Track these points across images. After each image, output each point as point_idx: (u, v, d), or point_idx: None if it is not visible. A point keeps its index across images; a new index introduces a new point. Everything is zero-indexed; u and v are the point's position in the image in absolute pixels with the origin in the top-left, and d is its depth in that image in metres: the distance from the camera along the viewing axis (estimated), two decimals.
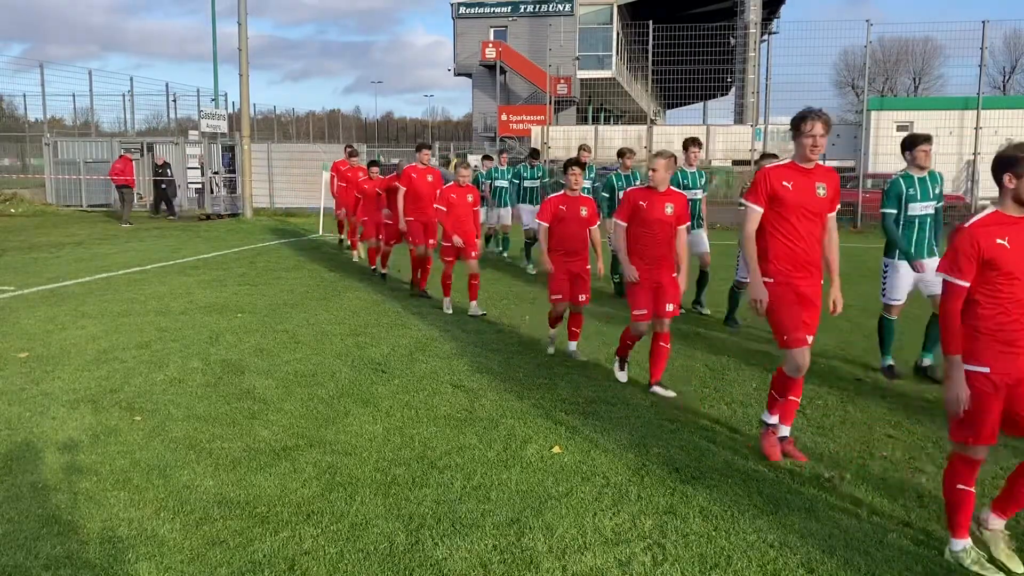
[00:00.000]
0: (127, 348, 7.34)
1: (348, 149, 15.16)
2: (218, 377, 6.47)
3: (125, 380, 6.34)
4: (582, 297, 7.12)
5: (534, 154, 13.93)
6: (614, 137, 27.98)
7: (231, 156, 23.83)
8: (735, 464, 4.76)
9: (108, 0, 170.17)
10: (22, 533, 3.82)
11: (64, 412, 5.56)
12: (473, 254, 9.11)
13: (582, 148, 11.57)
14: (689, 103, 33.89)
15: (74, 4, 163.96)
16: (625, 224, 6.16)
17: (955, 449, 3.60)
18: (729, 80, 35.61)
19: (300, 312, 9.14)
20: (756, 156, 22.09)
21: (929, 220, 6.50)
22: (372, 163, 12.56)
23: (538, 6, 40.25)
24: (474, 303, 9.07)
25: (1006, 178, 3.44)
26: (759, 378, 6.65)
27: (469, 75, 41.88)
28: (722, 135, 24.02)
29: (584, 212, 7.04)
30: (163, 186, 22.13)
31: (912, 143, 6.49)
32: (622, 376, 6.52)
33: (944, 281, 3.50)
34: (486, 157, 15.40)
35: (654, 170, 6.02)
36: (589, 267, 7.19)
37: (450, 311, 9.25)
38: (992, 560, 3.61)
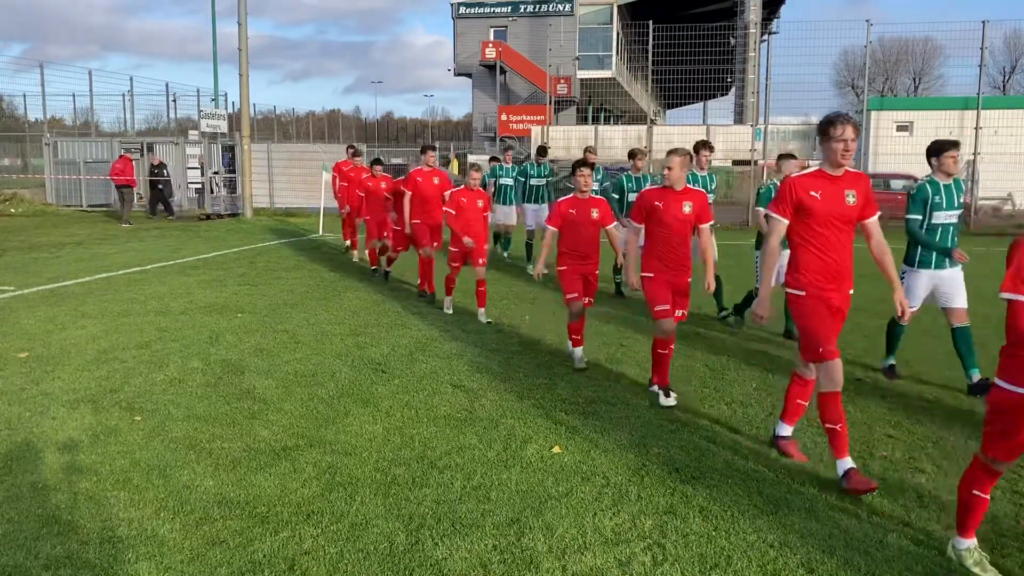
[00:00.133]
0: (127, 348, 7.34)
1: (351, 149, 14.97)
2: (218, 377, 6.47)
3: (125, 380, 6.34)
4: (586, 300, 7.01)
5: (541, 152, 13.44)
6: (614, 137, 27.96)
7: (231, 156, 23.84)
8: (735, 464, 4.76)
9: (108, 0, 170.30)
10: (22, 533, 3.82)
11: (64, 412, 5.56)
12: (481, 261, 8.93)
13: (588, 150, 11.30)
14: (689, 103, 33.90)
15: (74, 4, 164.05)
16: (639, 226, 6.03)
17: (982, 458, 3.52)
18: (729, 80, 35.61)
19: (300, 312, 9.14)
20: (756, 156, 22.12)
21: (952, 229, 6.24)
22: (375, 161, 12.41)
23: (538, 6, 40.23)
24: (482, 310, 8.90)
25: None
26: (759, 378, 6.65)
27: (469, 75, 41.86)
28: (722, 135, 23.97)
29: (595, 214, 6.87)
30: (160, 187, 22.14)
31: (939, 149, 6.21)
32: (670, 401, 5.87)
33: (1012, 302, 3.27)
34: (493, 159, 15.21)
35: (669, 168, 5.85)
36: (598, 271, 7.08)
37: (450, 311, 9.21)
38: (995, 563, 3.60)
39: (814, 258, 4.49)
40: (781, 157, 8.24)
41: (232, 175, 23.78)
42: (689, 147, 10.40)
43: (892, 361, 6.78)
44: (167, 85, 28.74)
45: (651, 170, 10.20)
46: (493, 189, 13.17)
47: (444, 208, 9.09)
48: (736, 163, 25.22)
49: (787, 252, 8.34)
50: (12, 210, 22.45)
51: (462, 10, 41.20)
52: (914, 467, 4.77)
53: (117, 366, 6.74)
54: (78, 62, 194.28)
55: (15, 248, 14.76)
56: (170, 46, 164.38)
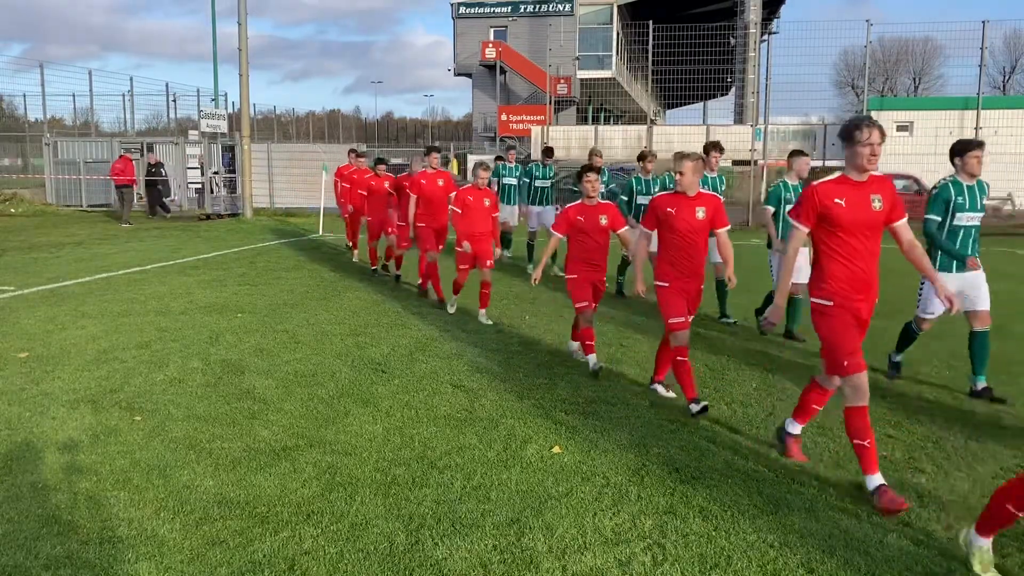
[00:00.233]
0: (127, 348, 7.34)
1: (352, 153, 14.40)
2: (218, 377, 6.47)
3: (125, 380, 6.34)
4: (592, 306, 6.85)
5: (548, 153, 13.16)
6: (614, 137, 27.98)
7: (231, 156, 23.85)
8: (735, 464, 4.76)
9: (108, 0, 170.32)
10: (22, 533, 3.82)
11: (64, 412, 5.56)
12: (489, 263, 8.80)
13: (593, 153, 11.19)
14: (689, 103, 33.89)
15: (74, 4, 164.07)
16: (650, 232, 5.86)
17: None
18: (729, 80, 35.59)
19: (300, 312, 9.14)
20: (755, 156, 22.11)
21: (974, 232, 6.08)
22: (379, 160, 12.29)
23: (538, 6, 40.23)
24: (483, 311, 8.84)
25: None
26: (759, 378, 6.65)
27: (469, 75, 41.85)
28: (722, 135, 23.93)
29: (604, 220, 6.65)
30: (159, 186, 22.15)
31: (963, 149, 6.06)
32: (669, 394, 5.98)
33: None
34: (499, 158, 15.06)
35: (681, 173, 5.64)
36: (606, 279, 6.95)
37: (453, 310, 9.19)
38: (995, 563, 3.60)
39: (841, 267, 4.31)
40: (792, 154, 8.16)
41: (232, 175, 23.79)
42: (690, 148, 10.33)
43: (899, 359, 6.67)
44: (167, 85, 28.80)
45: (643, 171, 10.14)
46: (496, 188, 13.07)
47: (450, 207, 8.90)
48: (736, 163, 25.20)
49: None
50: (12, 210, 22.45)
51: (462, 10, 41.20)
52: (914, 467, 4.77)
53: (117, 366, 6.74)
54: (78, 62, 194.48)
55: (15, 248, 14.76)
56: (170, 46, 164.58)
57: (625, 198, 9.94)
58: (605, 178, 10.95)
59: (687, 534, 3.87)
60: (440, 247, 9.91)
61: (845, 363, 4.30)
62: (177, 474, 4.52)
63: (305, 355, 7.20)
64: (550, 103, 28.92)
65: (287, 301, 9.81)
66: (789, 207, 7.95)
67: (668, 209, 5.68)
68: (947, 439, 5.24)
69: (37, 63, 29.46)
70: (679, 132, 25.06)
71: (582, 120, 39.65)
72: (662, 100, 39.81)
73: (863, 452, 4.29)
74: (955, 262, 6.05)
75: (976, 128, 20.14)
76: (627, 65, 42.52)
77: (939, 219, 6.08)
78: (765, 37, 36.50)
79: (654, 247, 6.12)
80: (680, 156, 5.73)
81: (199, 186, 23.44)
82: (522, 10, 40.42)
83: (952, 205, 6.03)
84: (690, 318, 5.90)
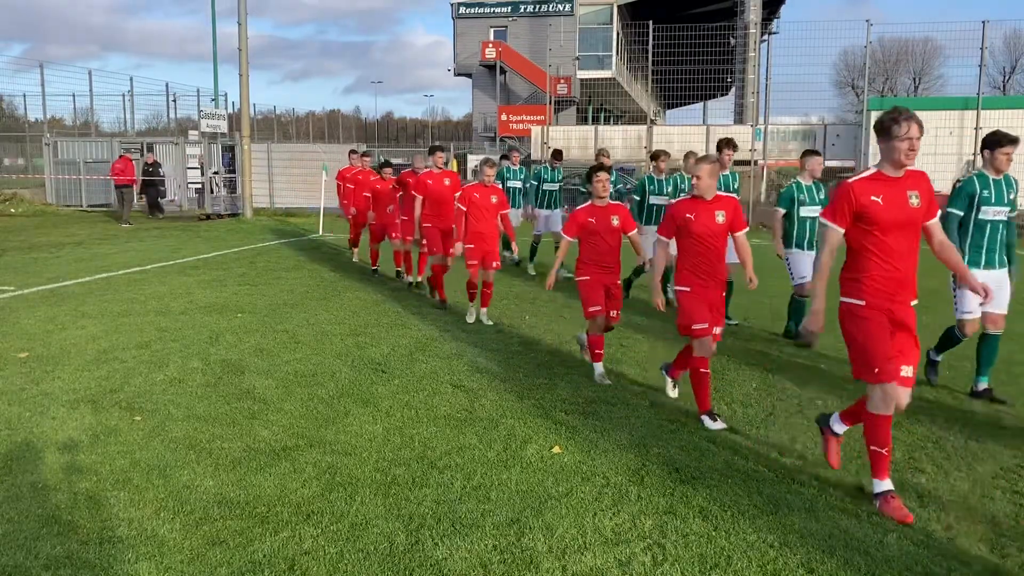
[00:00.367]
0: (127, 348, 7.34)
1: (353, 154, 14.12)
2: (218, 377, 6.47)
3: (125, 380, 6.34)
4: (613, 313, 6.56)
5: (557, 155, 12.86)
6: (614, 137, 27.99)
7: (231, 156, 23.86)
8: (735, 464, 4.76)
9: (108, 0, 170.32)
10: (22, 533, 3.82)
11: (64, 412, 5.56)
12: (495, 264, 8.70)
13: (601, 153, 11.10)
14: (689, 103, 33.90)
15: (74, 4, 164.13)
16: (668, 240, 5.68)
17: None
18: (729, 80, 35.59)
19: (300, 312, 9.14)
20: (755, 156, 22.11)
21: (1001, 227, 5.95)
22: (386, 163, 12.02)
23: (538, 6, 40.22)
24: (484, 311, 8.80)
25: None
26: (759, 378, 6.65)
27: (469, 75, 41.85)
28: (722, 135, 24.01)
29: (616, 221, 6.45)
30: (160, 186, 22.15)
31: (995, 143, 5.85)
32: (719, 425, 5.48)
33: None
34: (504, 157, 14.92)
35: (698, 177, 5.46)
36: (620, 281, 6.71)
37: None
38: (995, 563, 3.59)
39: (877, 266, 4.10)
40: (805, 154, 8.08)
41: (232, 175, 23.79)
42: (690, 148, 10.28)
43: (939, 358, 6.52)
44: (167, 85, 28.83)
45: (649, 171, 10.07)
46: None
47: (456, 205, 8.77)
48: (735, 163, 25.23)
49: (793, 253, 7.98)
50: (12, 210, 22.46)
51: (462, 10, 41.19)
52: (914, 467, 4.77)
53: (117, 366, 6.74)
54: (78, 62, 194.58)
55: (15, 248, 14.76)
56: (170, 46, 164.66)
57: (637, 198, 9.88)
58: (612, 178, 10.90)
59: (687, 534, 3.87)
60: (452, 250, 9.34)
61: (876, 369, 4.09)
62: (177, 474, 4.52)
63: (305, 355, 7.20)
64: (550, 103, 28.92)
65: (287, 301, 9.81)
66: (803, 208, 7.94)
67: (687, 215, 5.51)
68: (947, 439, 5.24)
69: (37, 63, 29.49)
70: (679, 132, 25.07)
71: (582, 120, 39.65)
72: (662, 100, 39.81)
73: (878, 458, 4.20)
74: (983, 258, 5.94)
75: (976, 128, 20.12)
76: (627, 65, 42.52)
77: (960, 213, 5.95)
78: (765, 37, 36.50)
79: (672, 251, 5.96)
80: (697, 160, 5.58)
81: (199, 186, 23.44)
82: (522, 10, 40.42)
83: (977, 199, 5.90)
84: (718, 330, 5.64)
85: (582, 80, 38.76)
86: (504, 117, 36.77)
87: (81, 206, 23.81)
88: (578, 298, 6.71)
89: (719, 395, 6.15)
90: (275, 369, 6.72)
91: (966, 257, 5.94)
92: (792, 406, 5.95)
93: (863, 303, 4.12)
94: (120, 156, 21.80)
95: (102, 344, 7.47)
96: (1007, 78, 57.42)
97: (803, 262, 7.88)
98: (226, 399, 5.89)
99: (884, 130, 4.04)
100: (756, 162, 22.24)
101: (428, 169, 9.84)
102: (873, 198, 4.06)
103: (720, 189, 8.60)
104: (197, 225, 20.15)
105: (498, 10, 40.76)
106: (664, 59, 23.23)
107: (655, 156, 9.90)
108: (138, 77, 52.44)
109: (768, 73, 23.10)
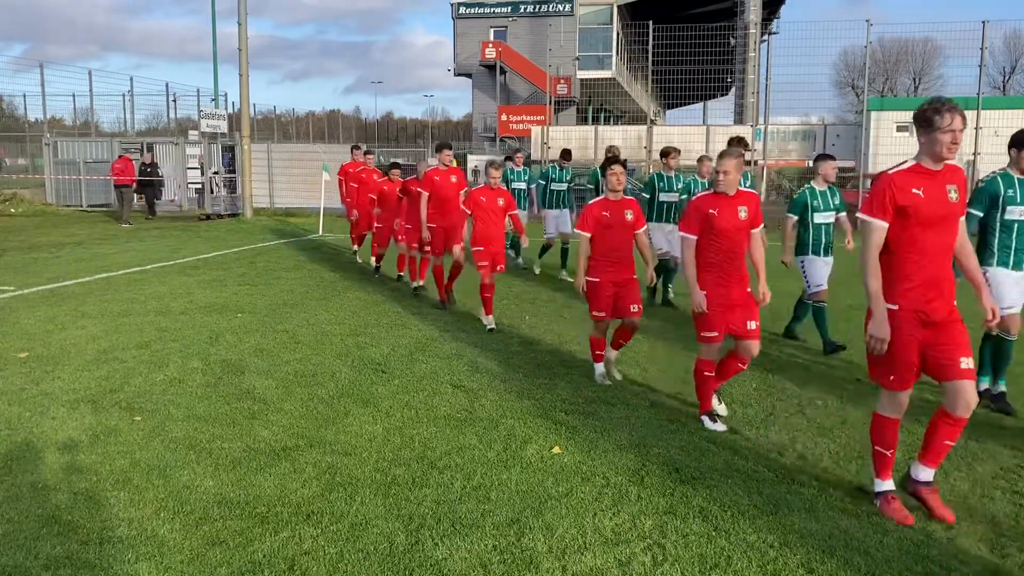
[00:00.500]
0: (127, 348, 7.34)
1: (357, 149, 13.76)
2: (218, 377, 6.47)
3: (125, 380, 6.34)
4: (634, 308, 6.38)
5: (566, 155, 12.68)
6: (614, 137, 27.92)
7: (231, 156, 23.86)
8: (735, 464, 4.76)
9: (108, 0, 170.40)
10: (22, 533, 3.81)
11: (64, 412, 5.56)
12: (499, 267, 8.67)
13: (612, 149, 11.02)
14: (689, 103, 33.89)
15: (74, 4, 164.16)
16: (694, 238, 5.43)
17: None
18: (729, 80, 35.58)
19: (300, 312, 9.14)
20: (755, 156, 22.11)
21: None
22: (394, 164, 11.80)
23: (538, 6, 40.21)
24: (490, 317, 8.68)
25: None
26: (759, 378, 6.65)
27: (469, 75, 41.82)
28: (722, 135, 23.96)
29: (630, 216, 6.33)
30: (160, 186, 22.16)
31: (1022, 143, 5.68)
32: (719, 427, 5.43)
33: None
34: (508, 158, 14.89)
35: (725, 172, 5.32)
36: (636, 276, 6.48)
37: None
38: (995, 563, 3.59)
39: (914, 266, 3.91)
40: (819, 158, 7.94)
41: (232, 175, 23.79)
42: (692, 148, 10.24)
43: (1002, 388, 6.00)
44: (167, 85, 28.82)
45: (651, 171, 10.09)
46: None
47: (461, 206, 8.72)
48: None
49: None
50: (12, 210, 22.46)
51: (462, 10, 41.18)
52: None
53: (117, 366, 6.74)
54: (78, 62, 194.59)
55: (15, 248, 14.76)
56: (170, 46, 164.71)
57: (647, 195, 9.87)
58: None
59: (687, 534, 3.87)
60: (460, 246, 9.27)
61: (893, 377, 4.01)
62: (177, 474, 4.52)
63: (305, 355, 7.20)
64: (550, 103, 28.90)
65: (287, 301, 9.81)
66: (817, 215, 7.73)
67: (711, 211, 5.34)
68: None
69: (37, 63, 29.51)
70: (679, 132, 25.02)
71: (582, 120, 39.63)
72: (662, 100, 39.78)
73: (881, 458, 4.18)
74: (1012, 257, 5.74)
75: (976, 128, 20.13)
76: (627, 65, 42.51)
77: (980, 214, 5.81)
78: (765, 37, 36.48)
79: (676, 251, 5.84)
80: (722, 154, 5.45)
81: (199, 186, 23.44)
82: (522, 10, 40.41)
83: (1002, 199, 5.73)
84: (756, 325, 5.44)
85: (582, 80, 38.75)
86: (504, 117, 36.75)
87: (81, 206, 23.81)
88: (578, 298, 6.68)
89: (719, 395, 6.14)
90: (275, 369, 6.72)
91: (995, 258, 5.79)
92: (792, 406, 5.95)
93: (896, 307, 3.94)
94: (120, 156, 21.81)
95: (102, 344, 7.47)
96: (1007, 78, 57.45)
97: (819, 269, 7.74)
98: (226, 399, 5.89)
99: (925, 121, 3.86)
100: (756, 162, 22.23)
101: (435, 166, 9.78)
102: (915, 191, 3.88)
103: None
104: (197, 225, 20.15)
105: (498, 10, 40.74)
106: (664, 59, 23.24)
107: (665, 153, 9.89)
108: (138, 77, 52.42)
109: (768, 73, 23.14)
